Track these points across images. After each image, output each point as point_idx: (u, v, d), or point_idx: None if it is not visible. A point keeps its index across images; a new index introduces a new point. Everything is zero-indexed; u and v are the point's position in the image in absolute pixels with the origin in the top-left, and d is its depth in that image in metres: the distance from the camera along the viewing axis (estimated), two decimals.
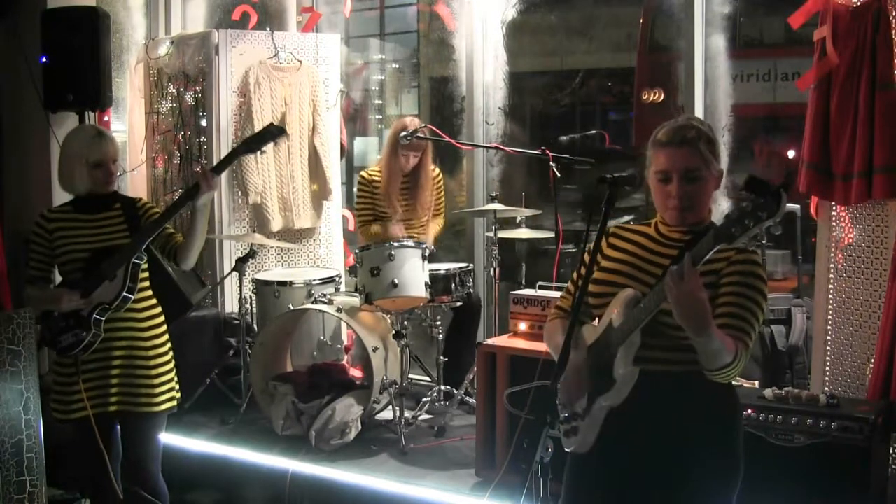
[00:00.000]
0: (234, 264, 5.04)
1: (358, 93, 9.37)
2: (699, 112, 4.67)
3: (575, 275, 2.65)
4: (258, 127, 5.51)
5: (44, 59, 5.31)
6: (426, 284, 4.53)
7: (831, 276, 4.01)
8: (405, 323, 4.64)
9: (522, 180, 6.01)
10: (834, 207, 3.99)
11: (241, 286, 5.17)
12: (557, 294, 4.08)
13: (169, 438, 4.11)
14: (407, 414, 4.62)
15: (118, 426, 3.61)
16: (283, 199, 5.69)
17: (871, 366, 3.76)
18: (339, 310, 4.72)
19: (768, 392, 3.54)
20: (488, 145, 5.22)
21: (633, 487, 2.47)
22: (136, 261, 3.45)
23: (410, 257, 4.49)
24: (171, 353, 3.64)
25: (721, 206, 4.44)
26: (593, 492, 2.54)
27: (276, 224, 5.68)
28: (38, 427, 3.82)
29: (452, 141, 5.08)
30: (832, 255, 4.00)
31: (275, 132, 3.52)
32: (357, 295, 4.65)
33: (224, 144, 5.64)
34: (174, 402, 3.62)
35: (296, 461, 4.33)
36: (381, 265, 4.46)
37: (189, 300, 5.13)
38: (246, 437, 4.67)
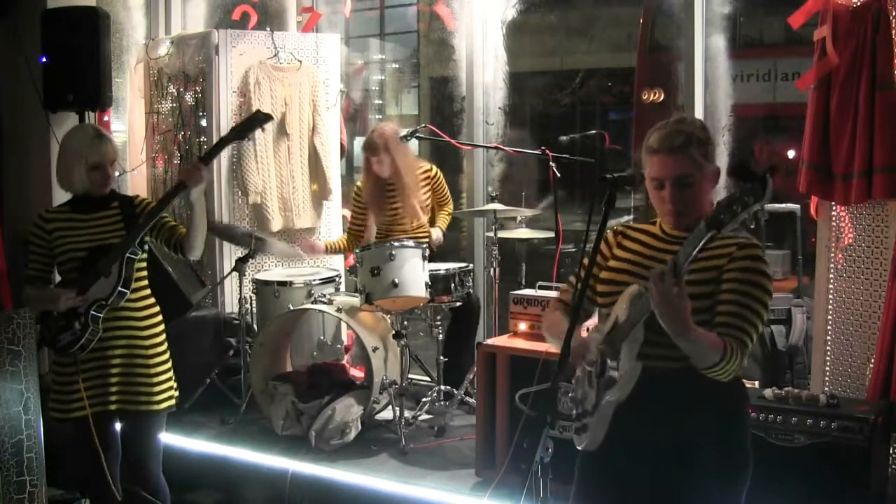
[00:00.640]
0: (234, 264, 5.04)
1: (358, 93, 9.38)
2: (699, 112, 4.67)
3: (580, 272, 2.66)
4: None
5: (44, 59, 5.30)
6: (426, 284, 4.53)
7: (831, 276, 4.01)
8: (405, 323, 4.65)
9: (523, 180, 6.02)
10: (834, 207, 3.99)
11: (241, 286, 5.17)
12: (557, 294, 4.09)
13: (169, 438, 4.10)
14: (407, 414, 4.62)
15: (118, 425, 3.62)
16: (283, 199, 5.69)
17: (871, 366, 3.76)
18: (339, 310, 4.72)
19: (768, 392, 3.54)
20: (488, 145, 5.22)
21: (641, 484, 2.47)
22: (131, 255, 3.45)
23: (411, 257, 4.49)
24: (169, 353, 3.64)
25: None
26: (603, 489, 2.55)
27: (276, 224, 5.68)
28: (38, 427, 3.83)
29: (452, 141, 5.08)
30: (832, 255, 4.00)
31: (261, 118, 3.54)
32: (357, 295, 4.65)
33: None
34: (173, 401, 3.62)
35: (296, 461, 4.33)
36: (381, 265, 4.46)
37: (189, 300, 5.13)
38: (246, 437, 4.67)
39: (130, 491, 3.59)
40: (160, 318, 3.63)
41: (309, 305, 4.83)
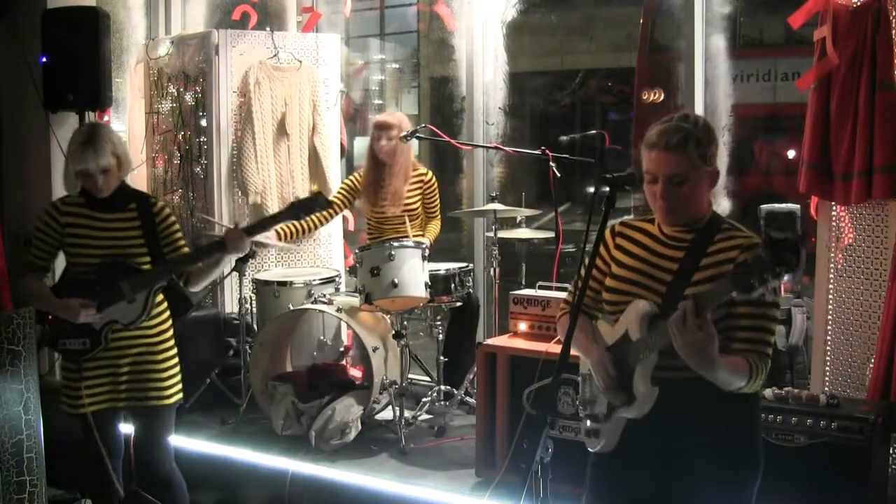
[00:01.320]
0: (233, 264, 5.04)
1: (358, 93, 9.38)
2: (699, 112, 4.66)
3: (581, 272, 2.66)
4: (258, 127, 5.55)
5: (44, 59, 5.30)
6: (426, 284, 4.53)
7: (831, 276, 4.01)
8: (405, 323, 4.65)
9: (523, 180, 6.02)
10: (834, 207, 3.99)
11: (240, 286, 5.17)
12: (557, 294, 4.09)
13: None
14: (407, 414, 4.62)
15: (121, 426, 3.63)
16: (283, 199, 5.68)
17: (871, 366, 3.76)
18: (338, 310, 4.72)
19: (768, 392, 3.54)
20: (488, 145, 5.22)
21: (652, 486, 2.48)
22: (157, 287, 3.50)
23: (410, 257, 4.49)
24: (176, 347, 3.66)
25: (721, 205, 4.45)
26: (616, 491, 2.56)
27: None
28: (38, 427, 3.83)
29: (452, 141, 5.07)
30: (832, 255, 4.00)
31: (322, 203, 3.52)
32: (357, 295, 4.65)
33: (224, 144, 5.65)
34: (181, 395, 3.65)
35: (296, 461, 4.33)
36: (381, 265, 4.46)
37: (189, 300, 5.11)
38: (246, 437, 4.67)
39: (131, 490, 3.59)
40: (168, 314, 3.64)
41: (309, 305, 4.82)
